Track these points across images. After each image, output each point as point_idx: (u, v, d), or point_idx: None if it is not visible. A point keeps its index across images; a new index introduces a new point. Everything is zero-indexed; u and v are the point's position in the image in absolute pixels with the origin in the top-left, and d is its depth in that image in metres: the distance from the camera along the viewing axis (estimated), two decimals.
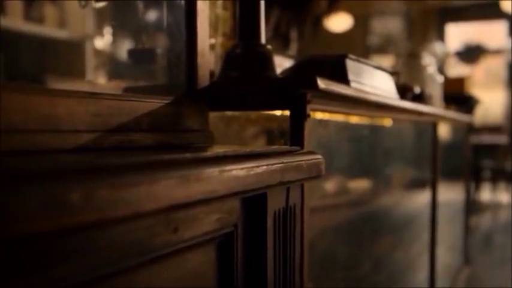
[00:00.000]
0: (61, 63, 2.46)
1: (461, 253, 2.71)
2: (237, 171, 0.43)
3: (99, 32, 2.86)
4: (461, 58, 7.89)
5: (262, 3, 0.77)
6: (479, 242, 3.54)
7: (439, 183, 2.03)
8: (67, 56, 2.55)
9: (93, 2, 2.52)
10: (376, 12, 8.39)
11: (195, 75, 0.64)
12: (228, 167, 0.43)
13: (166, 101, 0.60)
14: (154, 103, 0.59)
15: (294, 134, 0.63)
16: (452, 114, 1.83)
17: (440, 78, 2.00)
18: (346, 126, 1.49)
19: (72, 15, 2.59)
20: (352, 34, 7.28)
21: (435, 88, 1.83)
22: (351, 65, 0.85)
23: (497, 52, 7.50)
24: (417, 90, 1.41)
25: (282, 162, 0.51)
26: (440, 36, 8.48)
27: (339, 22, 7.01)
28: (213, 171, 0.41)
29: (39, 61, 2.55)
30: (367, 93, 0.83)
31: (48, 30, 2.49)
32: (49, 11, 2.52)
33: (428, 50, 7.70)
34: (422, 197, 2.08)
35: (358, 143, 2.30)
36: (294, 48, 2.08)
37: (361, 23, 7.59)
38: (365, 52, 8.17)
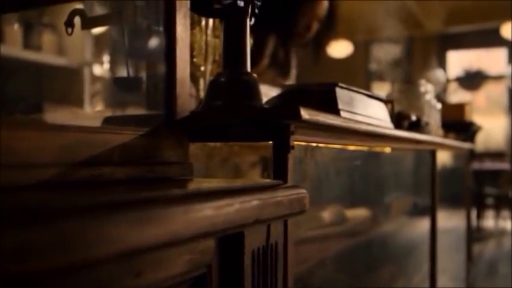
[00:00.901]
0: (59, 90, 2.45)
1: (463, 282, 2.64)
2: (207, 210, 0.40)
3: (98, 58, 2.86)
4: (462, 84, 7.90)
5: (248, 30, 0.75)
6: (483, 270, 3.47)
7: (440, 211, 1.99)
8: (65, 82, 2.54)
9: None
10: (377, 39, 8.44)
11: (174, 104, 0.61)
12: (195, 206, 0.39)
13: (141, 132, 0.58)
14: (127, 135, 0.56)
15: (277, 167, 0.60)
16: (450, 141, 1.80)
17: (438, 105, 1.98)
18: (343, 152, 1.45)
19: (71, 42, 2.59)
20: (354, 60, 7.30)
21: (433, 115, 1.80)
22: (342, 93, 0.82)
23: (498, 78, 7.51)
24: (413, 118, 1.38)
25: (260, 199, 0.48)
26: (441, 63, 8.51)
27: (340, 49, 7.04)
28: (176, 211, 0.37)
29: (36, 88, 2.54)
30: (358, 122, 0.80)
31: (47, 57, 2.49)
32: (47, 38, 2.52)
33: (429, 76, 7.71)
34: (422, 225, 2.03)
35: (355, 170, 2.26)
36: (293, 75, 2.06)
37: (363, 50, 7.62)
38: (366, 79, 8.20)
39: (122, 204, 0.35)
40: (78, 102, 2.54)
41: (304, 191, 0.56)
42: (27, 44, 2.44)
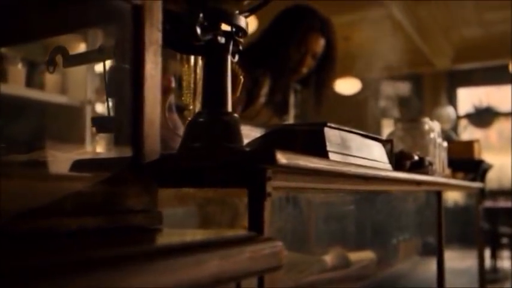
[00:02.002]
0: (61, 128, 2.43)
1: None
2: (149, 275, 0.35)
3: (100, 96, 2.85)
4: (472, 121, 7.82)
5: (229, 68, 0.70)
6: None
7: (452, 251, 1.90)
8: (67, 121, 2.53)
9: (94, 67, 2.49)
10: (387, 76, 8.44)
11: (141, 147, 0.56)
12: (135, 268, 0.34)
13: (102, 178, 0.53)
14: (84, 181, 0.51)
15: (252, 217, 0.54)
16: (457, 181, 1.73)
17: (444, 144, 1.92)
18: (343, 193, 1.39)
19: (73, 81, 2.59)
20: (363, 98, 7.28)
21: (439, 154, 1.74)
22: (332, 134, 0.77)
23: (508, 115, 7.43)
24: (416, 157, 1.32)
25: (224, 256, 0.42)
26: (451, 100, 8.47)
27: (348, 86, 7.04)
28: (111, 276, 0.32)
29: (38, 127, 2.53)
30: (348, 165, 0.74)
31: (49, 96, 2.48)
32: (50, 77, 2.52)
33: (439, 113, 7.65)
34: (431, 267, 1.95)
35: (359, 210, 2.19)
36: (291, 114, 2.01)
37: (372, 87, 7.61)
38: (376, 116, 8.16)
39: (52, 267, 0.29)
40: (80, 141, 2.52)
41: (279, 243, 0.51)
42: (30, 83, 2.44)
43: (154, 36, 0.59)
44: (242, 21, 0.71)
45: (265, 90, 1.84)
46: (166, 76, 1.11)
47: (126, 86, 0.58)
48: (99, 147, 2.59)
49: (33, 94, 2.44)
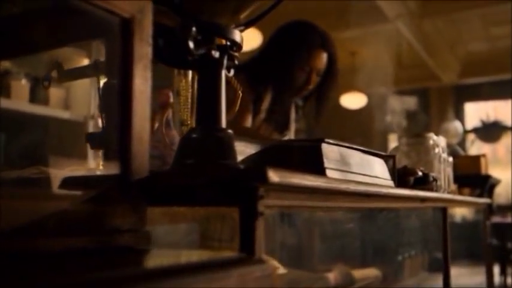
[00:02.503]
0: (63, 143, 2.43)
1: None
2: None
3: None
4: (479, 136, 7.77)
5: (223, 82, 0.69)
6: None
7: (460, 267, 1.87)
8: (70, 136, 2.52)
9: (99, 81, 2.49)
10: (393, 91, 8.42)
11: (129, 164, 0.55)
12: None
13: (87, 196, 0.51)
14: (69, 200, 0.49)
15: (243, 237, 0.52)
16: (463, 198, 1.70)
17: (450, 159, 1.89)
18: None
19: (77, 96, 2.59)
20: (369, 112, 7.25)
21: (444, 170, 1.71)
22: (330, 150, 0.75)
23: None
24: (419, 173, 1.30)
25: (207, 281, 0.40)
26: (459, 114, 8.42)
27: (354, 101, 7.02)
28: None
29: (41, 142, 2.53)
30: (346, 182, 0.72)
31: (52, 111, 2.48)
32: (54, 92, 2.52)
33: (446, 128, 7.61)
34: (439, 283, 1.90)
35: (364, 226, 2.15)
36: (292, 130, 1.99)
37: (378, 101, 7.59)
38: (383, 131, 8.13)
39: None
40: (82, 157, 2.51)
41: (272, 265, 0.48)
42: (33, 98, 2.44)
43: (144, 50, 0.57)
44: (237, 35, 0.69)
45: (265, 105, 1.82)
46: (164, 91, 1.10)
47: (116, 101, 0.57)
48: (99, 163, 2.58)
49: (37, 109, 2.44)
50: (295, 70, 1.80)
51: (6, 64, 2.31)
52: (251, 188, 0.52)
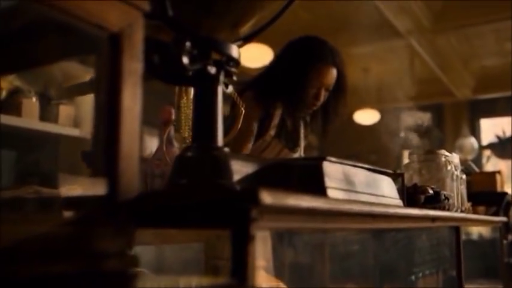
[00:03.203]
0: (72, 161, 2.42)
1: None
2: None
3: None
4: (495, 152, 7.66)
5: (220, 99, 0.66)
6: None
7: (477, 286, 1.80)
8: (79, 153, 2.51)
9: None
10: (407, 107, 8.35)
11: (117, 184, 0.52)
12: None
13: (71, 218, 0.48)
14: (53, 221, 0.47)
15: (235, 262, 0.49)
16: (476, 216, 1.65)
17: (463, 176, 1.84)
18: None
19: (86, 113, 2.59)
20: (383, 128, 7.20)
21: (457, 187, 1.66)
22: (332, 169, 0.72)
23: None
24: (430, 191, 1.26)
25: None
26: (474, 130, 8.32)
27: (367, 117, 6.98)
28: None
29: (51, 159, 2.53)
30: (350, 202, 0.69)
31: (62, 129, 2.48)
32: (63, 110, 2.52)
33: (461, 144, 7.52)
34: None
35: (376, 244, 2.09)
36: (302, 146, 1.96)
37: (392, 118, 7.52)
38: (397, 147, 8.05)
39: None
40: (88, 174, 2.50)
41: None
42: (43, 116, 2.44)
43: (134, 66, 0.55)
44: (234, 50, 0.67)
45: (275, 121, 1.80)
46: (166, 108, 1.08)
47: (104, 119, 0.54)
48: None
49: (47, 127, 2.44)
50: (305, 86, 1.78)
51: (17, 82, 2.32)
52: (243, 210, 0.49)
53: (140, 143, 0.54)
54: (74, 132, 2.53)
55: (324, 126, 1.92)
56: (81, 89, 0.88)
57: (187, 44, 0.62)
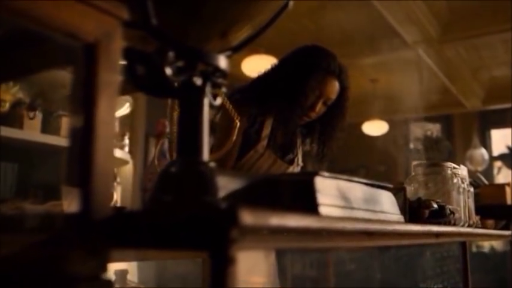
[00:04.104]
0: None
1: None
2: None
3: (117, 141, 2.83)
4: (506, 163, 7.57)
5: (205, 112, 0.63)
6: None
7: None
8: None
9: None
10: (416, 118, 8.30)
11: (90, 203, 0.49)
12: None
13: (40, 238, 0.45)
14: (18, 242, 0.44)
15: (214, 286, 0.46)
16: (484, 230, 1.60)
17: (471, 189, 1.79)
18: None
19: None
20: (392, 139, 7.14)
21: (464, 200, 1.62)
22: (326, 185, 0.68)
23: None
24: (435, 206, 1.21)
25: None
26: (484, 141, 8.24)
27: (375, 128, 6.93)
28: None
29: (53, 170, 2.51)
30: (344, 220, 0.65)
31: (64, 141, 2.46)
32: (66, 122, 2.50)
33: (471, 155, 7.43)
34: None
35: (383, 258, 2.04)
36: (299, 157, 1.92)
37: (399, 129, 7.47)
38: (406, 158, 7.98)
39: None
40: None
41: None
42: (45, 129, 2.43)
43: (110, 78, 0.52)
44: (221, 60, 0.64)
45: (267, 131, 1.75)
46: (161, 120, 1.05)
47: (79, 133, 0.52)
48: (115, 193, 2.54)
49: (49, 139, 2.43)
50: (304, 93, 1.73)
51: (20, 95, 2.31)
52: (221, 231, 0.46)
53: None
54: None
55: (321, 141, 1.86)
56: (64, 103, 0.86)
57: (171, 54, 0.60)
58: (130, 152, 3.07)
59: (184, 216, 0.48)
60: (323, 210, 0.65)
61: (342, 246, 0.75)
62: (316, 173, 0.66)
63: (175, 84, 0.63)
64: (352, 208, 0.75)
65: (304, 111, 1.75)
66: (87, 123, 0.50)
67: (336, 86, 1.77)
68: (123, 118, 3.53)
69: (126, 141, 2.79)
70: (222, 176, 0.61)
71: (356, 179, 0.80)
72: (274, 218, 0.49)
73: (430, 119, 8.66)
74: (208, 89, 0.64)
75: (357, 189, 0.79)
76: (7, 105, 2.09)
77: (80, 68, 0.51)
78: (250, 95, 1.75)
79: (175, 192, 0.59)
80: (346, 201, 0.74)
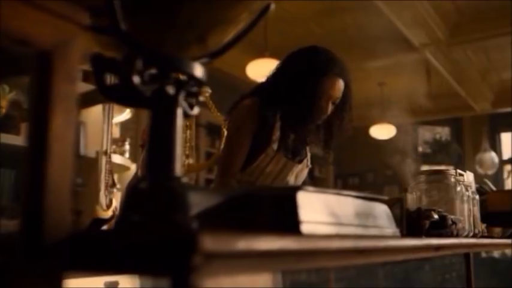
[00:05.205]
0: (76, 178, 2.38)
1: None
2: None
3: (118, 147, 2.80)
4: None
5: (178, 123, 0.59)
6: None
7: None
8: (82, 172, 2.48)
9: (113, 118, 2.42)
10: (425, 121, 8.22)
11: (42, 224, 0.45)
12: None
13: None
14: None
15: None
16: (489, 240, 1.54)
17: (476, 196, 1.74)
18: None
19: (89, 131, 2.55)
20: (400, 143, 7.05)
21: (468, 209, 1.56)
22: (309, 200, 0.64)
23: None
24: (436, 216, 1.16)
25: None
26: (494, 145, 8.14)
27: (382, 132, 6.86)
28: None
29: None
30: (328, 238, 0.61)
31: None
32: None
33: (481, 159, 7.34)
34: None
35: (388, 267, 1.99)
36: (308, 159, 1.90)
37: (407, 133, 7.38)
38: (415, 161, 7.87)
39: None
40: (94, 193, 2.45)
41: None
42: None
43: (67, 88, 0.48)
44: (196, 68, 0.60)
45: (277, 134, 1.74)
46: (145, 129, 1.01)
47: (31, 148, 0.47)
48: (115, 200, 2.50)
49: None
50: (313, 96, 1.71)
51: (17, 98, 2.29)
52: (181, 257, 0.41)
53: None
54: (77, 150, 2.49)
55: (326, 141, 1.85)
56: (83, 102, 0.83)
57: (139, 61, 0.55)
58: (134, 157, 3.04)
59: (144, 241, 0.44)
60: (306, 228, 0.60)
61: (330, 265, 0.70)
62: (299, 188, 0.62)
63: (148, 93, 0.59)
64: (341, 224, 0.70)
65: (314, 116, 1.74)
66: (40, 140, 0.46)
67: (341, 84, 1.76)
68: (127, 123, 3.49)
69: (127, 146, 2.76)
70: (197, 192, 0.57)
71: (346, 192, 0.75)
72: (242, 241, 0.45)
73: (438, 123, 8.57)
74: (181, 99, 0.60)
75: (347, 204, 0.75)
76: (3, 111, 2.06)
77: (33, 79, 0.47)
78: (258, 98, 1.75)
79: (143, 211, 0.55)
80: (334, 217, 0.69)
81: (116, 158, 2.60)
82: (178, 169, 0.58)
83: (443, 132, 8.73)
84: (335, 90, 1.75)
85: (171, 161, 0.58)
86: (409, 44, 5.50)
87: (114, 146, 2.51)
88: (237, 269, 0.47)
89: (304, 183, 1.92)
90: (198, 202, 0.57)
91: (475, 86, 7.03)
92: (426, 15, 5.04)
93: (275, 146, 1.74)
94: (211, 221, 0.57)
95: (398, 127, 7.04)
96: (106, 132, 2.48)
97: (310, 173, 1.98)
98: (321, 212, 0.66)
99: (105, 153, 2.50)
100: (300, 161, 1.86)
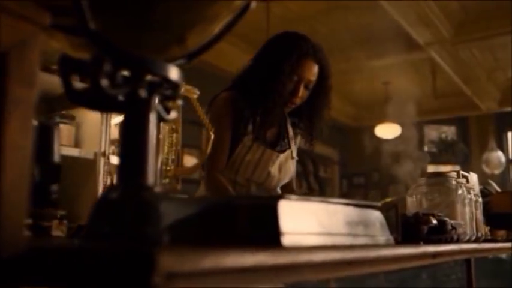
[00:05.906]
0: (73, 181, 2.36)
1: None
2: None
3: (116, 148, 2.77)
4: None
5: (152, 129, 0.56)
6: None
7: None
8: (80, 174, 2.45)
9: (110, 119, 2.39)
10: (431, 120, 8.15)
11: None
12: None
13: None
14: None
15: None
16: (492, 245, 1.50)
17: (479, 199, 1.69)
18: None
19: (87, 133, 2.53)
20: (407, 142, 7.00)
21: (471, 212, 1.52)
22: (292, 209, 0.60)
23: None
24: (434, 221, 1.12)
25: None
26: (501, 144, 8.06)
27: (387, 131, 6.80)
28: None
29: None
30: (310, 250, 0.57)
31: (62, 148, 2.41)
32: (64, 129, 2.46)
33: (488, 158, 7.26)
34: None
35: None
36: (293, 148, 1.89)
37: (413, 132, 7.33)
38: (421, 161, 7.83)
39: None
40: (92, 195, 2.43)
41: None
42: None
43: (24, 93, 0.45)
44: (170, 70, 0.57)
45: (250, 127, 1.74)
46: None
47: None
48: None
49: None
50: (281, 79, 1.69)
51: None
52: (140, 278, 0.38)
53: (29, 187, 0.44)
54: (74, 152, 2.47)
55: (309, 129, 1.84)
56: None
57: (107, 63, 0.52)
58: None
59: (103, 256, 0.40)
60: (288, 240, 0.57)
61: (316, 278, 0.67)
62: (280, 197, 0.58)
63: (121, 97, 0.55)
64: (328, 234, 0.66)
65: (285, 99, 1.72)
66: None
67: (313, 66, 1.73)
68: None
69: None
70: (170, 202, 0.53)
71: (335, 200, 0.71)
72: (208, 258, 0.41)
73: (444, 122, 8.50)
74: (155, 102, 0.56)
75: (336, 212, 0.71)
76: None
77: None
78: (235, 91, 1.75)
79: (112, 222, 0.52)
80: (321, 227, 0.65)
81: (115, 159, 2.57)
82: (151, 178, 0.54)
83: (449, 132, 8.67)
84: (304, 72, 1.72)
85: (143, 169, 0.54)
86: (414, 43, 5.44)
87: (112, 147, 2.48)
88: (215, 283, 0.44)
89: (292, 178, 1.90)
90: (172, 213, 0.54)
91: (481, 84, 6.96)
92: (431, 13, 4.98)
93: (252, 136, 1.73)
94: (185, 233, 0.54)
95: (403, 126, 6.99)
96: (104, 133, 2.46)
97: (315, 173, 1.96)
98: (306, 222, 0.62)
99: (104, 154, 2.48)
100: (282, 151, 1.84)
